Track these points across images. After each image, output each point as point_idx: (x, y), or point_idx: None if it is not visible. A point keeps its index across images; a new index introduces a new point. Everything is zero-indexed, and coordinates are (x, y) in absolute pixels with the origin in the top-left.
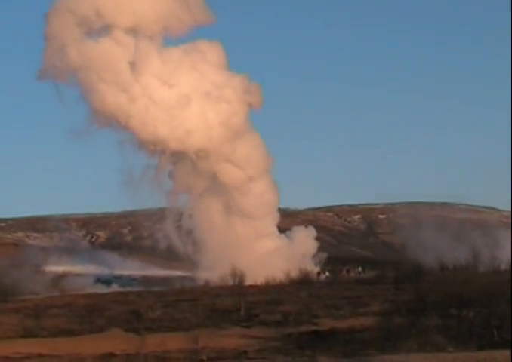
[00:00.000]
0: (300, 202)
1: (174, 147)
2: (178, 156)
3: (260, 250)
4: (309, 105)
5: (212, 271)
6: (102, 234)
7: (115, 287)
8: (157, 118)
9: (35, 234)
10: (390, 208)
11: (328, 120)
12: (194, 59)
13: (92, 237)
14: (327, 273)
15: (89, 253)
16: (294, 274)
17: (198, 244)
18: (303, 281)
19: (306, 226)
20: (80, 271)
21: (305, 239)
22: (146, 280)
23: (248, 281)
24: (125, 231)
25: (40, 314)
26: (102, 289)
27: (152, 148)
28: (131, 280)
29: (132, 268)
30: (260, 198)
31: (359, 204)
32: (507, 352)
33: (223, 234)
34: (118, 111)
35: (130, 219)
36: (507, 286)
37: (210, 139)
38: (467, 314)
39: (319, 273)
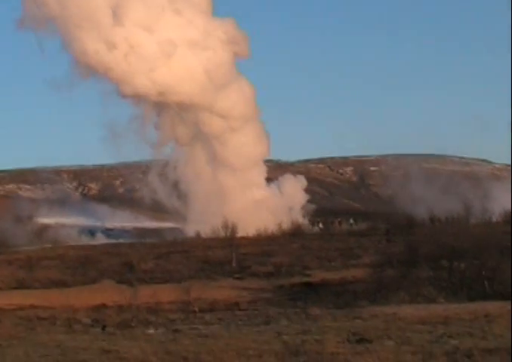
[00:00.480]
0: (291, 154)
1: (155, 98)
2: (162, 107)
3: (247, 202)
4: (300, 56)
5: (202, 224)
6: (94, 186)
7: (107, 239)
8: (138, 68)
9: (27, 186)
10: (381, 160)
11: (320, 70)
12: (179, 5)
13: (84, 189)
14: (320, 225)
15: (81, 204)
16: (286, 225)
17: (185, 196)
18: (295, 233)
19: (295, 176)
20: (72, 223)
21: (294, 189)
22: (137, 232)
23: (240, 233)
24: (117, 183)
25: (32, 265)
26: (94, 241)
27: (135, 99)
28: (122, 232)
29: (124, 220)
30: (245, 149)
31: (352, 156)
32: (498, 303)
33: (209, 186)
34: (99, 60)
35: (122, 171)
36: (498, 237)
37: (193, 89)
38: (458, 266)
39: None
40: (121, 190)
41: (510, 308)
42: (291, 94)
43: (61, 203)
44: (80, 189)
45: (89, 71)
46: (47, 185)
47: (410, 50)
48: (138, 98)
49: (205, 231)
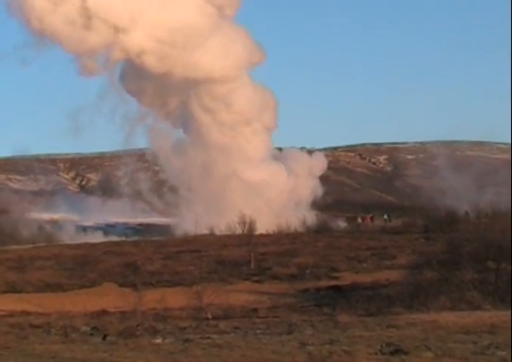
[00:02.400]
0: (317, 141)
1: (118, 56)
2: (135, 72)
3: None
4: (328, 38)
5: (209, 218)
6: (93, 177)
7: (108, 236)
8: (95, 24)
9: (18, 177)
10: (419, 148)
11: (350, 50)
12: None
13: (82, 181)
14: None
15: (79, 198)
16: (311, 221)
17: (191, 188)
18: (320, 230)
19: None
20: (68, 219)
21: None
22: (143, 229)
23: (259, 230)
24: (120, 173)
25: (24, 266)
26: (94, 238)
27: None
28: (126, 228)
29: (127, 215)
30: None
31: (385, 143)
32: None
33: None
34: (48, 25)
35: (125, 159)
36: None
37: (165, 46)
38: (506, 268)
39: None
40: (124, 181)
41: None
42: (317, 75)
43: (56, 196)
44: (78, 180)
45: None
46: (40, 175)
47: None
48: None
49: (219, 227)
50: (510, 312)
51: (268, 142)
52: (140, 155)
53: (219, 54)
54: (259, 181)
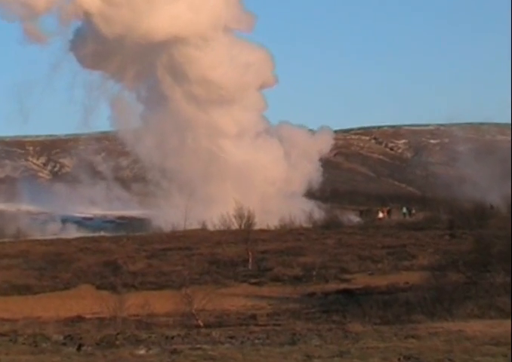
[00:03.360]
0: (326, 122)
1: (67, 17)
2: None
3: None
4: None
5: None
6: (67, 163)
7: (84, 231)
8: None
9: None
10: (444, 130)
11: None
12: None
13: (55, 167)
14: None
15: (51, 186)
16: (319, 215)
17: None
18: (329, 225)
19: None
20: (39, 211)
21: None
22: (125, 223)
23: (258, 225)
24: (98, 158)
25: None
26: (68, 233)
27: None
28: (105, 221)
29: (107, 206)
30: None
31: (405, 125)
32: None
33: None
34: None
35: (104, 142)
36: None
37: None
38: None
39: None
40: (103, 167)
41: None
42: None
43: (25, 184)
44: (50, 166)
45: None
46: (6, 160)
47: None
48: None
49: (212, 221)
50: None
51: (260, 118)
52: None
53: (190, 10)
54: (250, 164)
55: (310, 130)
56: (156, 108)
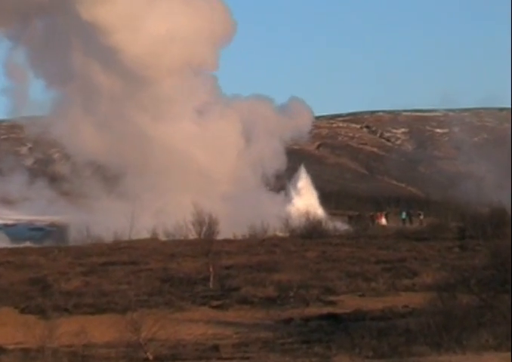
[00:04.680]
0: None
1: None
2: None
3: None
4: None
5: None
6: None
7: (5, 241)
8: None
9: None
10: (454, 117)
11: None
12: None
13: None
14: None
15: None
16: (298, 221)
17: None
18: (311, 233)
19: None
20: None
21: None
22: (56, 231)
23: (223, 232)
24: (24, 150)
25: None
26: None
27: None
28: (31, 229)
29: (33, 210)
30: None
31: (405, 111)
32: None
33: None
34: None
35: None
36: None
37: None
38: None
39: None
40: (30, 161)
41: None
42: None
43: None
44: None
45: None
46: None
47: None
48: None
49: (165, 228)
50: None
51: (213, 89)
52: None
53: None
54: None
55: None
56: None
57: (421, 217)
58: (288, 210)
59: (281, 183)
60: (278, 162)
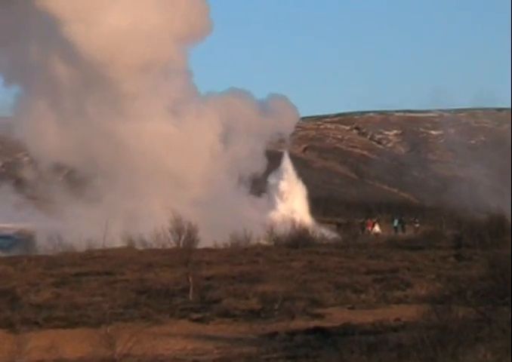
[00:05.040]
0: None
1: None
2: None
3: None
4: None
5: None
6: None
7: None
8: None
9: None
10: (449, 118)
11: None
12: None
13: None
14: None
15: None
16: (283, 229)
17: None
18: (297, 242)
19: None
20: None
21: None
22: (25, 239)
23: (204, 241)
24: None
25: None
26: None
27: None
28: None
29: (3, 216)
30: None
31: (397, 111)
32: None
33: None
34: None
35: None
36: None
37: None
38: None
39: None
40: None
41: None
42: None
43: None
44: None
45: None
46: None
47: None
48: None
49: (141, 236)
50: None
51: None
52: None
53: None
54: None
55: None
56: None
57: (417, 225)
58: (272, 216)
59: (261, 187)
60: (257, 164)
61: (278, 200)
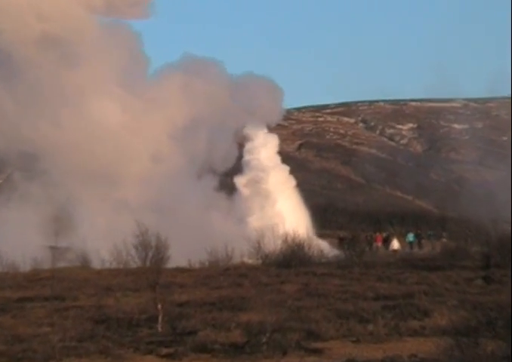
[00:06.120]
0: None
1: None
2: None
3: None
4: None
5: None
6: None
7: None
8: None
9: None
10: (477, 109)
11: None
12: None
13: None
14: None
15: None
16: (273, 244)
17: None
18: (289, 261)
19: None
20: None
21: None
22: None
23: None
24: None
25: None
26: None
27: None
28: None
29: None
30: None
31: (412, 100)
32: None
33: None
34: None
35: None
36: None
37: None
38: None
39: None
40: None
41: None
42: None
43: None
44: None
45: None
46: None
47: None
48: None
49: (99, 253)
50: None
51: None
52: None
53: None
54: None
55: None
56: None
57: (444, 240)
58: (251, 226)
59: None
60: (228, 158)
61: (258, 204)
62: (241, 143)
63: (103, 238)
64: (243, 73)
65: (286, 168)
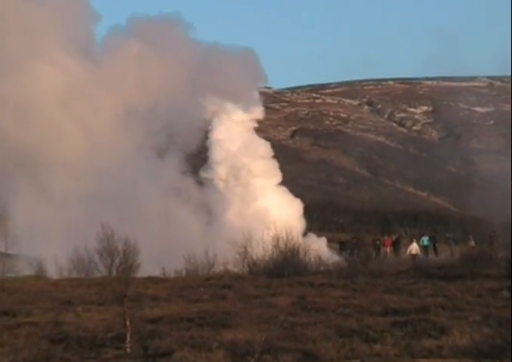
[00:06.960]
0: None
1: None
2: None
3: None
4: None
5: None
6: None
7: None
8: None
9: None
10: (503, 88)
11: None
12: None
13: None
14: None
15: None
16: (261, 249)
17: None
18: (281, 269)
19: None
20: None
21: None
22: None
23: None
24: None
25: None
26: None
27: None
28: None
29: None
30: None
31: (427, 79)
32: None
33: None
34: None
35: None
36: None
37: None
38: None
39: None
40: None
41: None
42: None
43: None
44: None
45: None
46: None
47: None
48: None
49: (56, 260)
50: None
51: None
52: None
53: None
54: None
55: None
56: None
57: (472, 243)
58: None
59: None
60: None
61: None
62: (208, 121)
63: (59, 242)
64: (215, 41)
65: (267, 144)
